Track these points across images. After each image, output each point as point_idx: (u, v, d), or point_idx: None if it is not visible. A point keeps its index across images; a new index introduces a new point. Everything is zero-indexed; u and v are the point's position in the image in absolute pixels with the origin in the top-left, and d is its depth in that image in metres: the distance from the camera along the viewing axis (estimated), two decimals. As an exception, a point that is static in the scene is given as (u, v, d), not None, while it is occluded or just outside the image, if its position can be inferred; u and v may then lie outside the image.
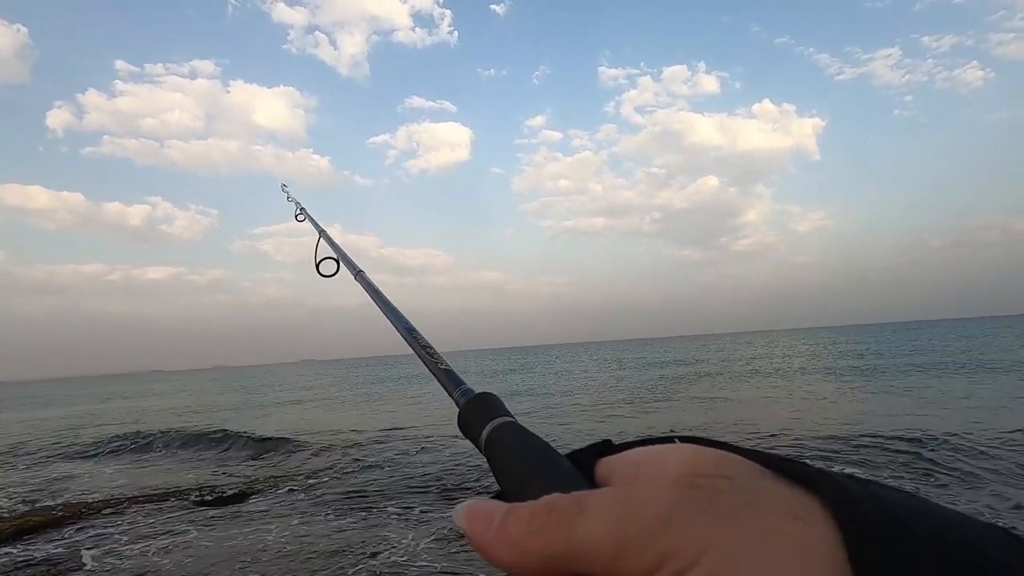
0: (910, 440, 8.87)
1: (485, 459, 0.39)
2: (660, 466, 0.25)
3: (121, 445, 14.23)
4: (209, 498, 8.12)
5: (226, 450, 12.96)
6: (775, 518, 0.24)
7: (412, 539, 6.13)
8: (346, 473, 9.58)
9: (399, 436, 13.31)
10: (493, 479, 0.36)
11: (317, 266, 1.16)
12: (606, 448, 0.31)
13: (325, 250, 1.18)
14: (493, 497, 0.29)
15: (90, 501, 8.27)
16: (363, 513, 7.23)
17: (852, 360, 29.77)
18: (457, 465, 9.18)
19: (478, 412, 0.43)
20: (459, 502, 0.28)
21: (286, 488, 8.73)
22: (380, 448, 11.88)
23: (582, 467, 0.31)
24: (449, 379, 0.52)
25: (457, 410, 0.46)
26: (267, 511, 7.49)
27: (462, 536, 0.26)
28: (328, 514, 7.27)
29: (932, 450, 8.23)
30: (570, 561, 0.24)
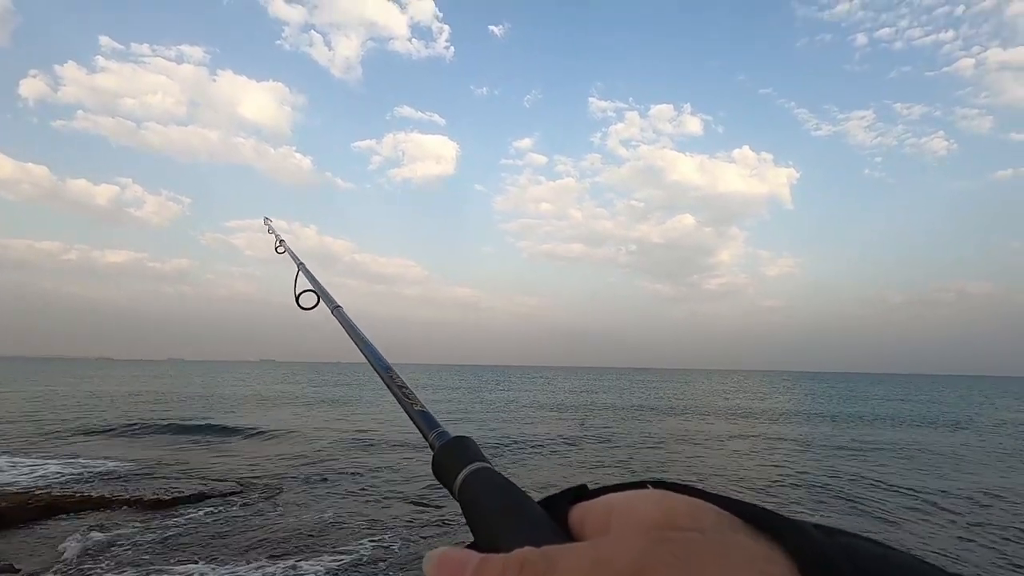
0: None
1: (459, 506, 0.38)
2: (631, 516, 0.25)
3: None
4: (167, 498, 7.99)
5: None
6: (743, 574, 0.24)
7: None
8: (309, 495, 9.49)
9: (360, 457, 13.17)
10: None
11: (297, 299, 1.15)
12: (581, 493, 0.31)
13: (304, 283, 1.18)
14: (468, 546, 0.29)
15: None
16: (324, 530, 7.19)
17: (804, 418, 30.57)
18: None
19: (453, 457, 0.41)
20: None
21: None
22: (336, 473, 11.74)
23: (556, 513, 0.30)
24: (425, 421, 0.51)
25: (432, 454, 0.45)
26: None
27: None
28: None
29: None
30: None
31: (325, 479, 9.87)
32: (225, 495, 8.44)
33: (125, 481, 9.21)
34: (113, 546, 6.19)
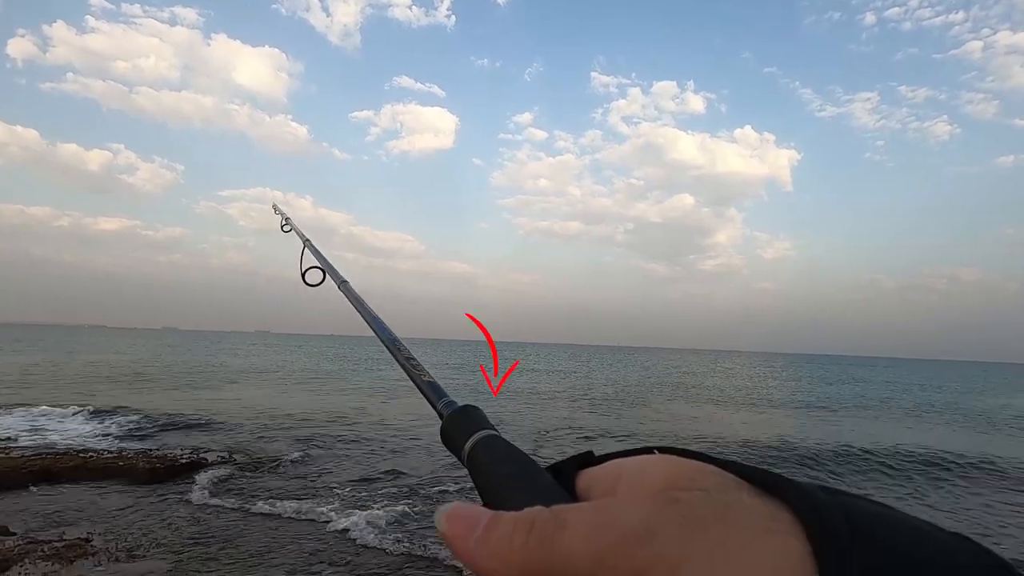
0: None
1: (467, 472, 0.38)
2: (638, 479, 0.26)
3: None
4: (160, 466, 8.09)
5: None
6: (749, 531, 0.24)
7: (367, 528, 6.31)
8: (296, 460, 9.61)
9: (358, 426, 13.30)
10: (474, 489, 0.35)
11: (303, 275, 1.15)
12: (587, 460, 0.31)
13: (310, 260, 1.17)
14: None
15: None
16: (312, 499, 7.33)
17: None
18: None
19: (461, 425, 0.42)
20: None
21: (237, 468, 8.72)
22: (335, 436, 11.87)
23: (564, 479, 0.31)
24: (432, 391, 0.52)
25: (440, 423, 0.45)
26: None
27: (442, 542, 0.26)
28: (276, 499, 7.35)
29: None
30: (550, 575, 0.24)
31: (319, 446, 10.00)
32: (217, 464, 8.57)
33: (120, 448, 9.31)
34: (102, 513, 6.31)
